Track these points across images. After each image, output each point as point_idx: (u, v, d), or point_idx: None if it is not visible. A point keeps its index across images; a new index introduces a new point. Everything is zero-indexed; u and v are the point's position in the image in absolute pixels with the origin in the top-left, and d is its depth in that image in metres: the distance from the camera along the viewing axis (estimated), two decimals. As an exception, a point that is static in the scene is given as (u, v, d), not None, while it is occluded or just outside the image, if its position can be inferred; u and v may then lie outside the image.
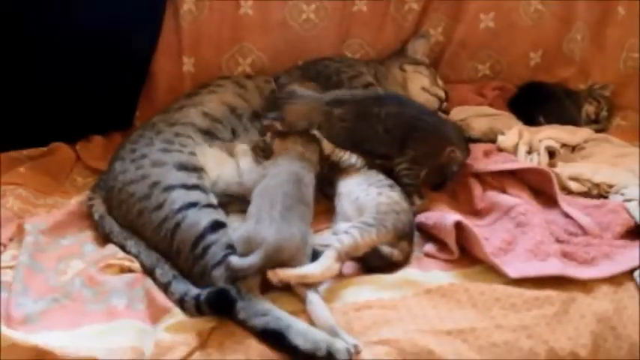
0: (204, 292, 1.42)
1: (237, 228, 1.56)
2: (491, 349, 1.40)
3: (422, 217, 1.68)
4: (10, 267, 1.58)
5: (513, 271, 1.50)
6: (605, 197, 1.79)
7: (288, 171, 1.66)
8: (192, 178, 1.67)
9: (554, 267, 1.52)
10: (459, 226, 1.56)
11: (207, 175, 1.73)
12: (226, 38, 2.18)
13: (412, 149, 1.76)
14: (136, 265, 1.58)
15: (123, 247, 1.63)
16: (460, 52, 2.35)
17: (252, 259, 1.43)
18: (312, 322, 1.40)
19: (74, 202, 1.80)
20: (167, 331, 1.39)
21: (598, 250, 1.58)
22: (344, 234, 1.52)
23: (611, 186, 1.81)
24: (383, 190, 1.65)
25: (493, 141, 1.97)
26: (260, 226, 1.49)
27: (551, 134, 2.01)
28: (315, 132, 1.76)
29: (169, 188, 1.63)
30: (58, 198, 1.89)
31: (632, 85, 2.35)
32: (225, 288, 1.42)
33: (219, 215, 1.60)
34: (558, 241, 1.61)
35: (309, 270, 1.45)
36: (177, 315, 1.42)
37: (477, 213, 1.74)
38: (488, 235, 1.62)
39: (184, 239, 1.54)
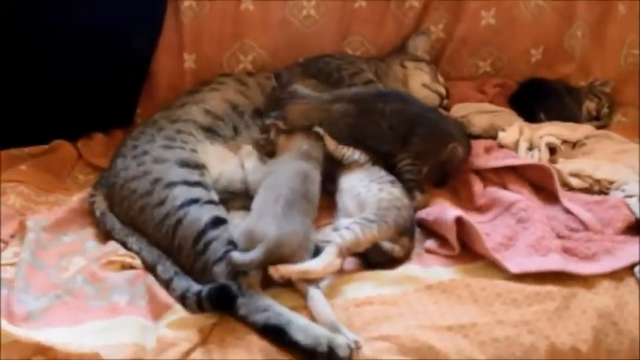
0: (205, 289, 1.42)
1: (238, 224, 1.56)
2: (492, 344, 1.40)
3: (423, 213, 1.68)
4: (12, 264, 1.59)
5: (514, 266, 1.50)
6: (606, 193, 1.79)
7: (295, 167, 1.66)
8: (194, 175, 1.67)
9: (555, 262, 1.52)
10: (459, 222, 1.56)
11: (209, 172, 1.73)
12: (227, 35, 2.18)
13: (415, 145, 1.77)
14: (138, 262, 1.58)
15: (124, 244, 1.63)
16: (461, 49, 2.35)
17: (254, 254, 1.43)
18: (313, 318, 1.40)
19: (76, 199, 1.80)
20: (169, 327, 1.39)
21: (599, 246, 1.58)
22: (345, 230, 1.52)
23: (611, 182, 1.80)
24: (384, 187, 1.65)
25: (494, 137, 1.97)
26: (262, 221, 1.49)
27: (551, 131, 2.01)
28: (319, 129, 1.76)
29: (171, 185, 1.63)
30: (59, 195, 1.89)
31: (633, 82, 2.35)
32: (226, 284, 1.42)
33: (220, 212, 1.60)
34: (559, 236, 1.60)
35: (311, 266, 1.45)
36: (179, 311, 1.42)
37: (477, 209, 1.74)
38: (489, 230, 1.62)
39: (186, 235, 1.54)
